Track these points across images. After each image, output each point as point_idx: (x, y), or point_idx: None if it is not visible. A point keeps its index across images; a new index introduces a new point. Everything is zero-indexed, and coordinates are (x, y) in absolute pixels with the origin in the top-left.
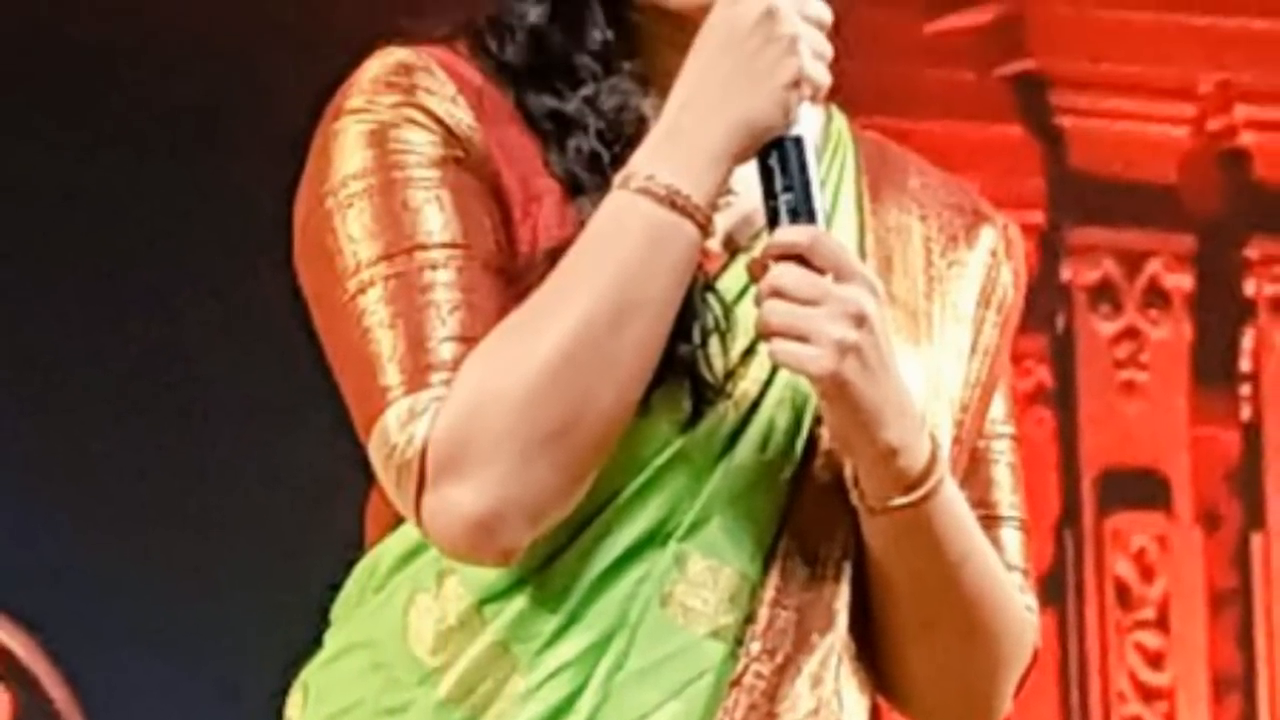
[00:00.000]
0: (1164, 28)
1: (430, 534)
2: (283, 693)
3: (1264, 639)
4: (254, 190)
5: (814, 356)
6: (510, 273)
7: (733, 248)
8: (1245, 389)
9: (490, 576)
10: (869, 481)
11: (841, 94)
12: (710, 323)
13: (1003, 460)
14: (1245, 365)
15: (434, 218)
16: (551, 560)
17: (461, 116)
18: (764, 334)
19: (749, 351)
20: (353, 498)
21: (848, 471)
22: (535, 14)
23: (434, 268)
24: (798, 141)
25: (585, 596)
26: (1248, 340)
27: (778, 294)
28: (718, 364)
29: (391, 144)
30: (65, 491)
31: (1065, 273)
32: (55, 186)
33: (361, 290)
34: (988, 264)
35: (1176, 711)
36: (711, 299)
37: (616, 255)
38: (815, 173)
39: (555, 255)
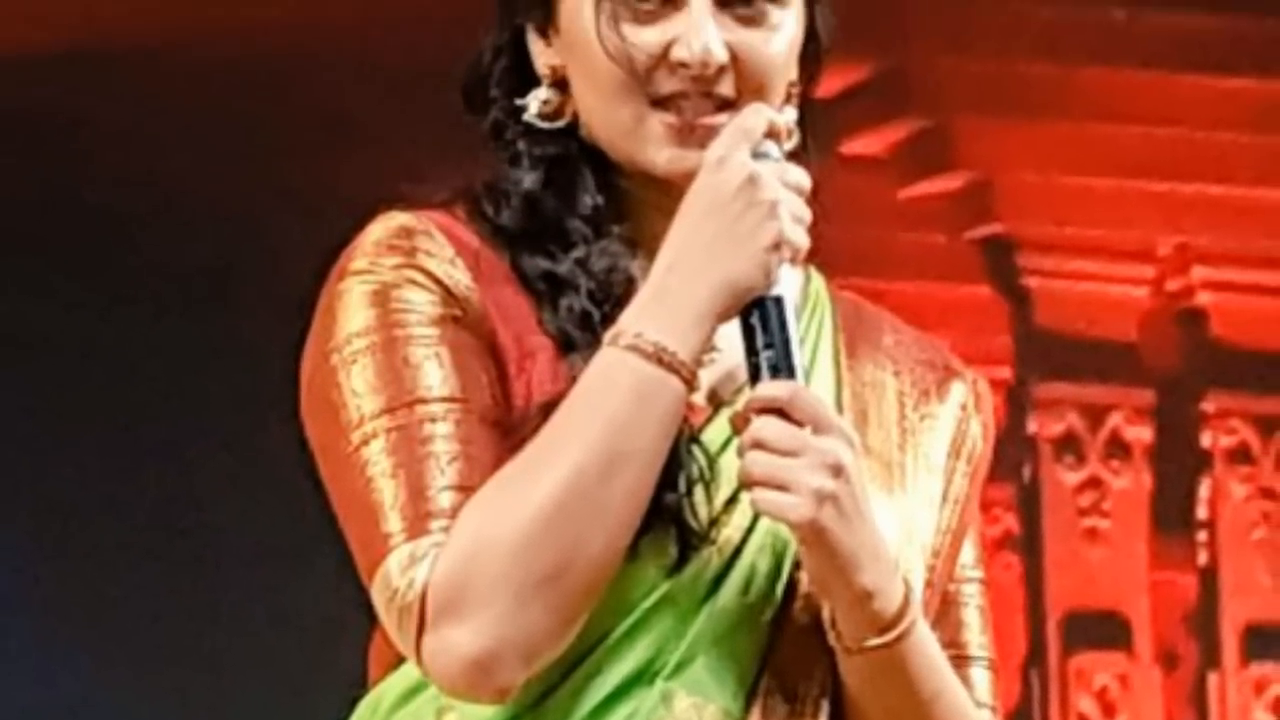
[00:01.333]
0: (1125, 193)
1: (430, 673)
2: None
3: None
4: (263, 347)
5: (793, 505)
6: (506, 425)
7: (716, 402)
8: (1202, 535)
9: (487, 713)
10: (846, 623)
11: (820, 256)
12: (695, 473)
13: (972, 603)
14: (1202, 513)
15: (433, 373)
16: (545, 697)
17: (459, 277)
18: (746, 483)
19: (732, 500)
20: (356, 639)
21: (825, 613)
22: (529, 180)
23: (433, 420)
24: (778, 301)
25: None
26: (1204, 489)
27: (759, 445)
28: (702, 512)
29: (393, 303)
30: (84, 633)
31: (1031, 425)
32: (74, 344)
33: (365, 442)
34: (958, 417)
35: None
36: (696, 450)
37: (606, 409)
38: (795, 331)
39: (548, 409)
